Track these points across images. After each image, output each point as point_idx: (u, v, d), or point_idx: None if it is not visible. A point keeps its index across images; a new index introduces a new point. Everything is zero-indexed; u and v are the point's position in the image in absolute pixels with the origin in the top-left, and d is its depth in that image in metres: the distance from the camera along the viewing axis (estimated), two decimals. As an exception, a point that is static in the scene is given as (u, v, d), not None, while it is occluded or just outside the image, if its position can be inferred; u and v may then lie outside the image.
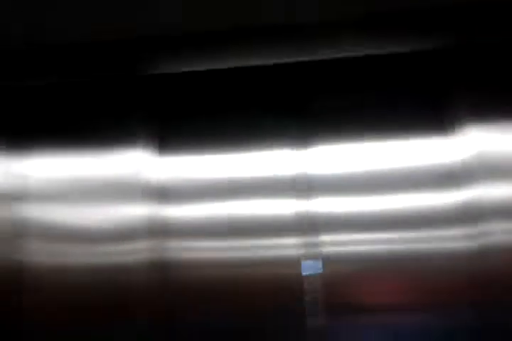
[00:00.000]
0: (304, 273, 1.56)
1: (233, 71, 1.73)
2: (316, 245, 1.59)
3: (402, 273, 1.56)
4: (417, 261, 1.57)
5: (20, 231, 1.69)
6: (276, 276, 1.56)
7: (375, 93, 1.71)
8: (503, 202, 1.56)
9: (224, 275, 1.58)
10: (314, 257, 1.58)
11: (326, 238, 1.60)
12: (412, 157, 1.66)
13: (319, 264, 1.57)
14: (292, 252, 1.59)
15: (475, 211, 1.59)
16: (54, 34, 1.48)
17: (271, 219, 1.61)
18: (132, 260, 1.61)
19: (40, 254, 1.67)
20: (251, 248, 1.58)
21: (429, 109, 1.69)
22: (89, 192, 1.68)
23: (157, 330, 1.57)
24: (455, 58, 1.71)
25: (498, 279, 1.52)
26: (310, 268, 1.56)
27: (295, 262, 1.57)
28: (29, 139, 1.78)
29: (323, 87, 1.73)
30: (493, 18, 1.49)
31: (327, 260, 1.58)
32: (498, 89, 1.65)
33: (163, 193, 1.66)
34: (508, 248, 1.53)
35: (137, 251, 1.62)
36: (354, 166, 1.67)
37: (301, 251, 1.59)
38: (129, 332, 1.57)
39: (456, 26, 1.52)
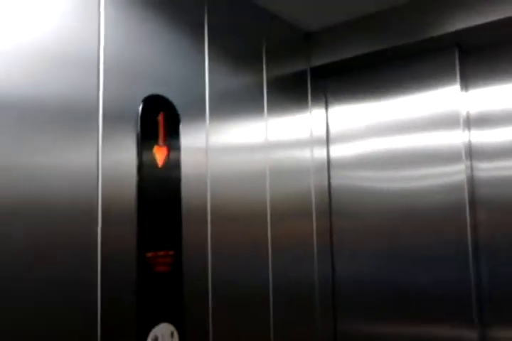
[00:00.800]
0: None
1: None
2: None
3: None
4: None
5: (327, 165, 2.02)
6: None
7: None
8: None
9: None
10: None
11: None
12: None
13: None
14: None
15: None
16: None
17: None
18: (450, 181, 1.76)
19: (354, 180, 1.97)
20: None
21: None
22: (403, 126, 1.87)
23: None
24: None
25: None
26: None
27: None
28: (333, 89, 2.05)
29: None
30: None
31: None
32: None
33: (474, 122, 1.80)
34: None
35: (453, 173, 1.76)
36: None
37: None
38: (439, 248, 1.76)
39: None
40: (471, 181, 1.74)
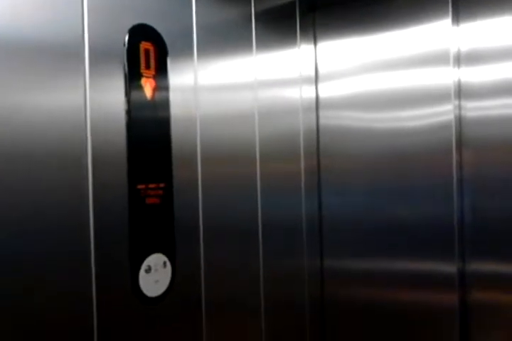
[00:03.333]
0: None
1: None
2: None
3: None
4: None
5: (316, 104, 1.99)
6: None
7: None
8: None
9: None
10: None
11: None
12: None
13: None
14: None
15: None
16: None
17: None
18: (438, 121, 1.75)
19: (342, 119, 1.95)
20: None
21: None
22: (392, 64, 1.84)
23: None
24: None
25: None
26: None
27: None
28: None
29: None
30: None
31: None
32: None
33: (464, 59, 1.76)
34: None
35: (442, 113, 1.74)
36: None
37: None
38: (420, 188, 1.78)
39: None
40: (459, 121, 1.74)
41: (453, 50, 1.73)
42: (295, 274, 1.85)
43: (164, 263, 1.29)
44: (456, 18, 1.75)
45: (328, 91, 1.97)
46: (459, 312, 1.71)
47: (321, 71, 1.98)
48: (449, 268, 1.72)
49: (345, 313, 1.94)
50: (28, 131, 1.04)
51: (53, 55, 1.10)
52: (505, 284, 1.68)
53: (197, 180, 1.42)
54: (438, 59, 1.74)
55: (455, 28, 1.74)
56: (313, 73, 1.98)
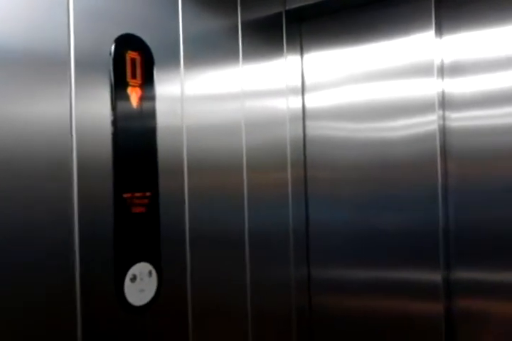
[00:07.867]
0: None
1: None
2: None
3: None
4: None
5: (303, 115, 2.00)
6: None
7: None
8: None
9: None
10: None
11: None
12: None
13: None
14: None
15: None
16: None
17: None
18: (423, 131, 1.77)
19: (328, 130, 1.97)
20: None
21: None
22: (377, 75, 1.85)
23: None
24: None
25: None
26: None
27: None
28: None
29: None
30: None
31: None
32: None
33: (447, 70, 1.77)
34: None
35: (426, 123, 1.76)
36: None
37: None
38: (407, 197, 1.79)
39: None
40: (443, 131, 1.76)
41: (436, 62, 1.75)
42: (282, 284, 1.84)
43: (150, 272, 1.29)
44: (439, 30, 1.77)
45: (314, 101, 1.98)
46: (444, 321, 1.72)
47: (307, 82, 2.00)
48: (434, 276, 1.73)
49: (332, 323, 1.94)
50: (11, 140, 1.04)
51: (39, 65, 1.10)
52: (491, 292, 1.68)
53: (183, 189, 1.42)
54: (422, 70, 1.76)
55: (438, 39, 1.77)
56: (299, 84, 1.99)
